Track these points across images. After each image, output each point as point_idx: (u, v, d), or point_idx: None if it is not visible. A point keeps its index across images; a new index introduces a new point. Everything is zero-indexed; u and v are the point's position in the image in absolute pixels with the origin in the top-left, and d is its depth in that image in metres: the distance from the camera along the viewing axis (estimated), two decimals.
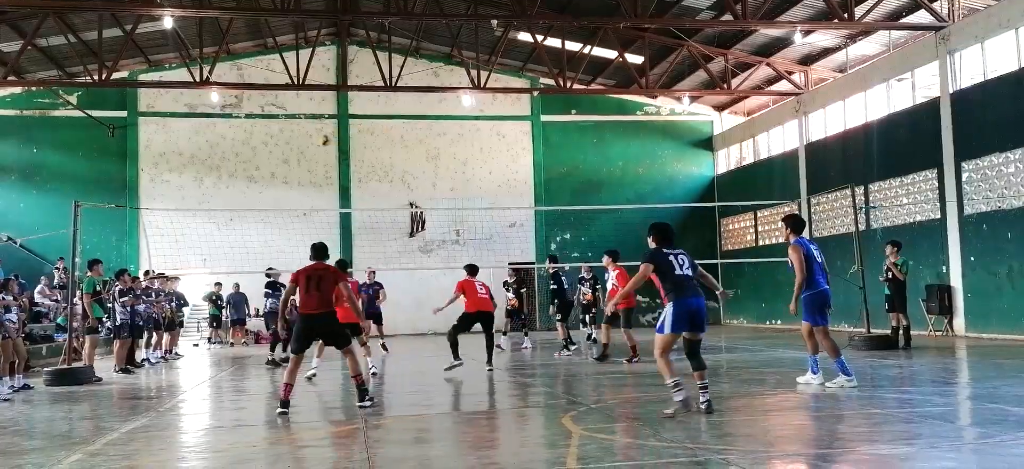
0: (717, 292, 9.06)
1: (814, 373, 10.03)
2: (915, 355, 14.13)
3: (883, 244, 16.97)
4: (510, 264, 19.60)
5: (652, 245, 8.35)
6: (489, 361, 13.74)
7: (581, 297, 18.12)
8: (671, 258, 8.14)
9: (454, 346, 13.22)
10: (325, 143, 22.24)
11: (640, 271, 8.27)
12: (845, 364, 9.83)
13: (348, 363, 9.50)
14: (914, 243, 19.44)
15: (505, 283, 18.99)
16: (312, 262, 9.54)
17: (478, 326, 13.57)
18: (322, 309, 9.26)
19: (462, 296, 13.57)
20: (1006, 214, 17.70)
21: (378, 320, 17.33)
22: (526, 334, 19.21)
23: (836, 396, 9.25)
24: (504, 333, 18.08)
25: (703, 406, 7.94)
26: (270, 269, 18.60)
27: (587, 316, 18.61)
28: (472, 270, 14.05)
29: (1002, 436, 6.58)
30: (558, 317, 17.47)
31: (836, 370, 9.82)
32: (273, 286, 17.84)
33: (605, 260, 15.02)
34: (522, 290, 18.50)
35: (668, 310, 8.06)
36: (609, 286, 15.06)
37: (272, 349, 16.04)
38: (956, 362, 13.34)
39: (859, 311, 16.61)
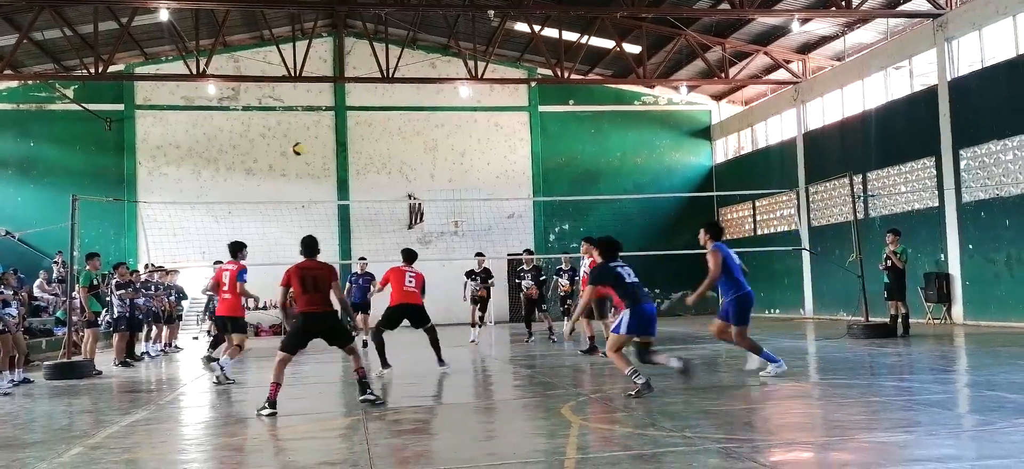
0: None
1: (774, 361, 9.99)
2: (913, 343, 14.16)
3: (882, 232, 16.97)
4: (526, 251, 18.83)
5: (598, 260, 8.87)
6: (439, 360, 12.17)
7: (558, 288, 17.41)
8: (618, 271, 8.74)
9: (380, 349, 11.85)
10: (298, 151, 21.83)
11: (588, 291, 9.02)
12: (770, 354, 10.05)
13: (352, 360, 9.21)
14: (912, 231, 19.45)
15: (521, 271, 18.10)
16: (304, 259, 9.08)
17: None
18: (324, 308, 8.96)
19: (388, 287, 12.16)
20: (1004, 202, 17.71)
21: (367, 311, 17.46)
22: (551, 330, 17.68)
23: (832, 385, 9.27)
24: (529, 329, 17.74)
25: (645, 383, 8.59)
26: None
27: (563, 308, 17.85)
28: (408, 256, 12.44)
29: (1000, 423, 6.61)
30: (544, 307, 17.67)
31: (765, 357, 10.01)
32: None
33: (583, 247, 13.77)
34: (542, 278, 17.66)
35: (625, 315, 8.74)
36: (581, 274, 14.86)
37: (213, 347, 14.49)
38: (954, 350, 13.37)
39: (858, 299, 16.64)
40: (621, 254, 10.45)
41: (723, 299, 10.33)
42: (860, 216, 19.68)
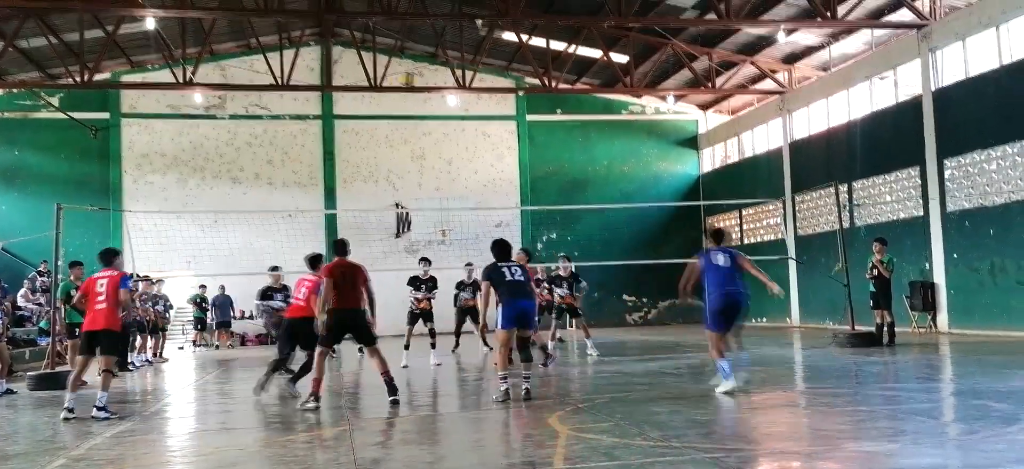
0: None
1: (727, 377, 9.52)
2: (899, 352, 14.23)
3: (868, 241, 17.07)
4: (562, 255, 16.23)
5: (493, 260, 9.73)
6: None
7: (560, 299, 15.56)
8: (503, 270, 9.55)
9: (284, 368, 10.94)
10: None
11: (483, 288, 9.87)
12: (726, 369, 9.55)
13: (375, 363, 9.66)
14: (897, 240, 19.56)
15: (555, 278, 15.54)
16: (338, 258, 9.87)
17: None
18: (354, 305, 9.61)
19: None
20: (988, 211, 17.85)
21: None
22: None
23: (819, 393, 9.30)
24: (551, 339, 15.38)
25: (524, 392, 9.36)
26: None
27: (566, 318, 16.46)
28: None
29: (985, 432, 6.64)
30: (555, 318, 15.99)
31: (719, 371, 9.67)
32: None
33: (521, 256, 12.24)
34: (582, 283, 15.36)
35: (500, 311, 9.60)
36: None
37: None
38: (939, 359, 13.44)
39: (844, 308, 16.72)
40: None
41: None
42: (846, 225, 19.79)
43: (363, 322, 9.77)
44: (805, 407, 8.64)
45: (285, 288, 14.99)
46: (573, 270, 15.28)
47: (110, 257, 10.58)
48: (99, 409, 9.30)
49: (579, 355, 15.75)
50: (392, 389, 9.52)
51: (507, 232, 27.41)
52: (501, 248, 9.84)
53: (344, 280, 9.54)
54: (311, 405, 9.25)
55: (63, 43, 22.46)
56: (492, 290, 9.64)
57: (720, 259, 10.01)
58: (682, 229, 28.83)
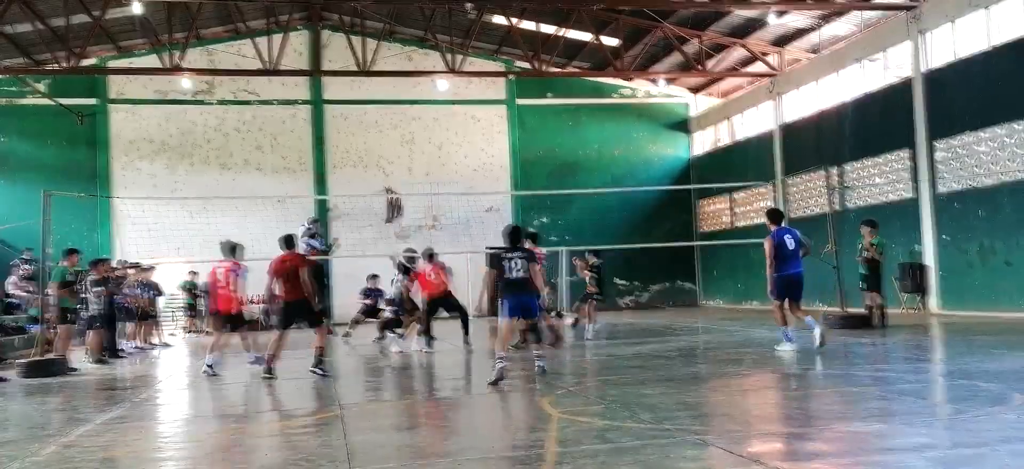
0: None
1: (789, 340, 11.53)
2: (889, 334, 14.30)
3: (858, 224, 17.10)
4: (591, 251, 16.63)
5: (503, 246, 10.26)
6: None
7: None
8: (504, 262, 9.95)
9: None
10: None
11: (486, 274, 10.72)
12: (790, 333, 11.61)
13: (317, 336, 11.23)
14: (887, 222, 19.61)
15: (591, 265, 16.24)
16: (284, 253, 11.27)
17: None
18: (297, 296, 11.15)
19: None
20: (978, 193, 17.92)
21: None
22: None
23: (808, 375, 9.34)
24: (579, 323, 16.53)
25: (538, 369, 9.98)
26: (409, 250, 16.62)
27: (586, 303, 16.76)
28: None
29: (974, 411, 6.68)
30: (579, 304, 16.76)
31: (784, 336, 11.61)
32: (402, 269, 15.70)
33: (530, 243, 12.24)
34: (600, 261, 16.21)
35: (501, 302, 10.10)
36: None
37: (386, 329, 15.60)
38: (929, 340, 13.51)
39: (834, 290, 16.77)
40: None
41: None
42: (837, 208, 19.83)
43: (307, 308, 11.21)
44: (796, 389, 8.66)
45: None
46: (598, 262, 16.41)
47: (230, 249, 12.75)
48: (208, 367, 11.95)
49: (576, 338, 15.76)
50: (319, 362, 11.01)
51: (498, 217, 27.44)
52: (510, 236, 10.24)
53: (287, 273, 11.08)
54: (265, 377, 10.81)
55: (49, 28, 22.23)
56: (493, 277, 10.21)
57: (790, 242, 11.75)
58: (673, 213, 28.87)
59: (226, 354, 13.09)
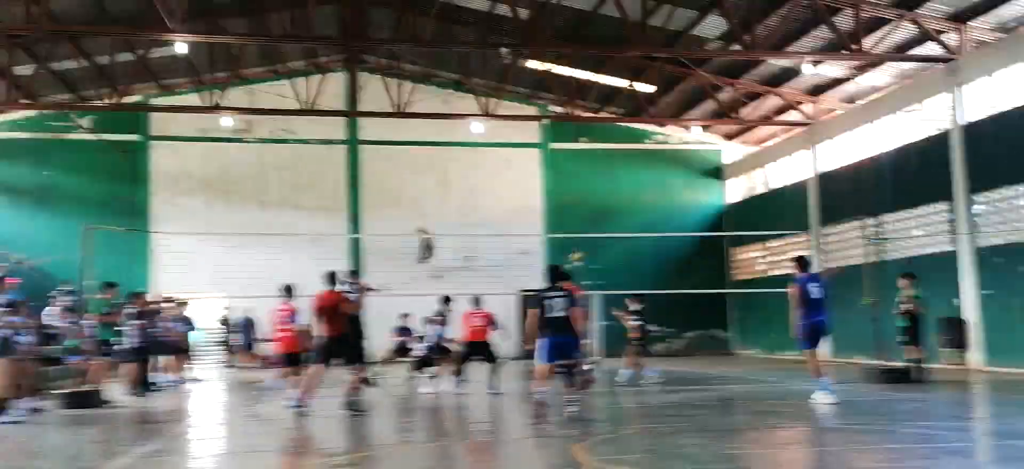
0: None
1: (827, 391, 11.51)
2: (931, 389, 13.99)
3: (896, 276, 16.82)
4: (633, 296, 17.05)
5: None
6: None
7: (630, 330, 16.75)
8: (544, 302, 10.13)
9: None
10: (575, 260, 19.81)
11: (529, 315, 10.40)
12: (828, 385, 11.58)
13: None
14: (924, 275, 19.30)
15: (632, 311, 16.70)
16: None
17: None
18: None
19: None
20: (1021, 248, 17.60)
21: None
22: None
23: (848, 431, 9.16)
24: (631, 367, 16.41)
25: (568, 414, 9.93)
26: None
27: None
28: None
29: None
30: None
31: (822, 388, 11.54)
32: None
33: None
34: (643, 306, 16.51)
35: (540, 343, 10.16)
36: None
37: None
38: (973, 397, 13.22)
39: (872, 343, 16.48)
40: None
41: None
42: (877, 259, 19.58)
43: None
44: (837, 444, 8.49)
45: None
46: (640, 307, 16.67)
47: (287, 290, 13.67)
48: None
49: (609, 383, 15.62)
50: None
51: (531, 260, 27.41)
52: (550, 274, 10.50)
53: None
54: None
55: (94, 65, 22.79)
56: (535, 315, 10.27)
57: (815, 291, 11.75)
58: (706, 260, 28.64)
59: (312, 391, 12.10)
